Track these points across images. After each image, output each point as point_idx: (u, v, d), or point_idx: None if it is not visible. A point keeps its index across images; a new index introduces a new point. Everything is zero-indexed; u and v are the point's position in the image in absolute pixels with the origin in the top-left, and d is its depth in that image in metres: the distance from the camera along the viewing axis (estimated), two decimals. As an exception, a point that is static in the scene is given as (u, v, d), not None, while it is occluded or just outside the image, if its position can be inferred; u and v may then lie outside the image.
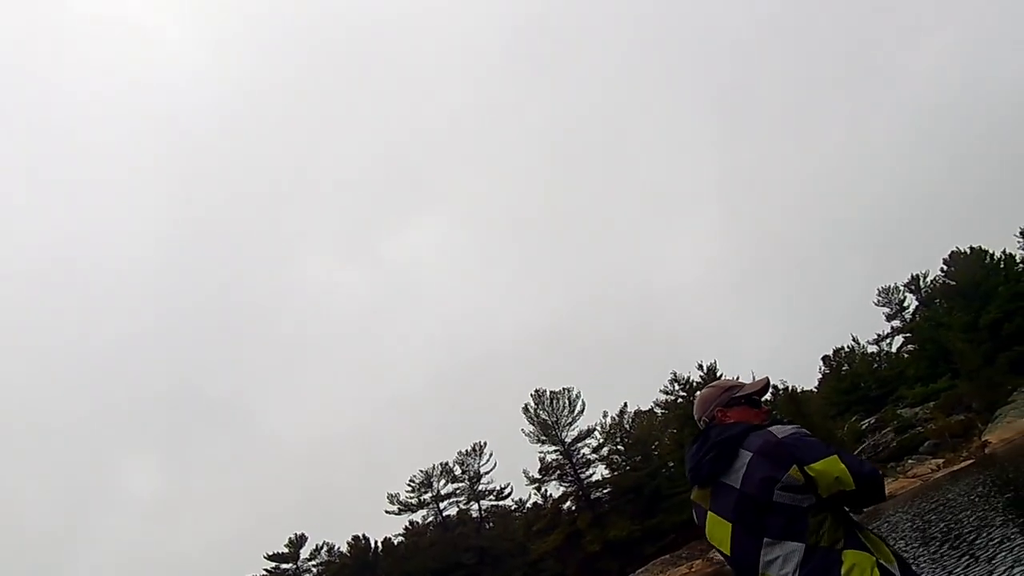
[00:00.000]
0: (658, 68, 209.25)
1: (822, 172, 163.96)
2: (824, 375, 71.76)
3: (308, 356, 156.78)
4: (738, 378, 3.15)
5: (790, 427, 2.87)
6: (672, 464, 58.48)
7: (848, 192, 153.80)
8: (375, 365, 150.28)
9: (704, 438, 3.04)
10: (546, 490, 65.82)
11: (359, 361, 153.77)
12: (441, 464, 69.85)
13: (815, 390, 69.02)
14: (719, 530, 2.94)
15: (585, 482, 62.94)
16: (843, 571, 2.59)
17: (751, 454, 2.82)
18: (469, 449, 70.23)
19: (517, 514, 70.33)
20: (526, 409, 64.04)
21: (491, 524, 70.15)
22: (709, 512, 2.99)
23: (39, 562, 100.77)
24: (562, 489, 64.28)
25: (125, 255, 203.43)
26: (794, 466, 2.71)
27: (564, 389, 64.60)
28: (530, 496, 68.90)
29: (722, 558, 2.99)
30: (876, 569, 2.61)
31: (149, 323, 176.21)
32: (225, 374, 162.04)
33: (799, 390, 61.66)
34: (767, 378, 3.35)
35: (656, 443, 63.27)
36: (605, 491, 62.54)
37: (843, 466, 2.70)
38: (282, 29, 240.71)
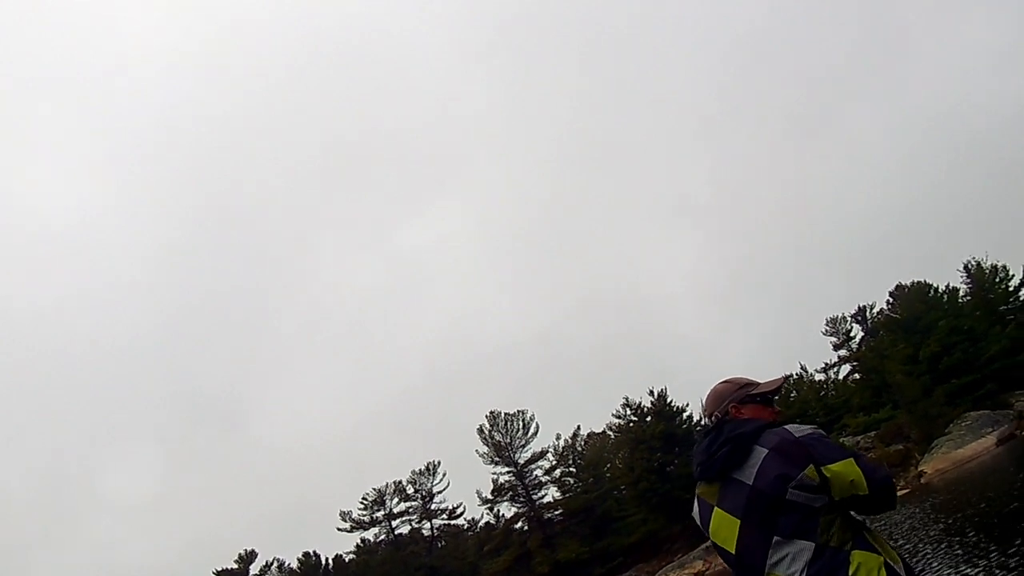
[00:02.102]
0: (653, 78, 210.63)
1: (812, 186, 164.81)
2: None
3: (303, 358, 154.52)
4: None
5: (807, 427, 2.88)
6: (623, 487, 59.44)
7: (837, 207, 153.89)
8: (369, 368, 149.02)
9: (718, 432, 3.03)
10: (498, 510, 66.62)
11: (354, 362, 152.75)
12: (394, 482, 70.08)
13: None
14: (725, 527, 2.92)
15: (537, 503, 63.58)
16: (851, 571, 2.62)
17: (767, 451, 2.82)
18: (423, 468, 70.61)
19: (469, 533, 70.66)
20: (481, 430, 64.67)
21: (443, 543, 70.27)
22: (716, 508, 2.96)
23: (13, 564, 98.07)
24: (514, 510, 65.05)
25: (124, 254, 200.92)
26: (811, 465, 2.72)
27: (519, 411, 65.32)
28: (482, 516, 69.53)
29: (723, 559, 2.99)
30: (883, 569, 2.64)
31: (144, 327, 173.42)
32: (220, 375, 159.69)
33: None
34: (783, 377, 3.38)
35: (608, 466, 64.29)
36: (556, 512, 63.22)
37: (859, 470, 2.72)
38: (287, 19, 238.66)
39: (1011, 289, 57.82)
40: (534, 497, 63.77)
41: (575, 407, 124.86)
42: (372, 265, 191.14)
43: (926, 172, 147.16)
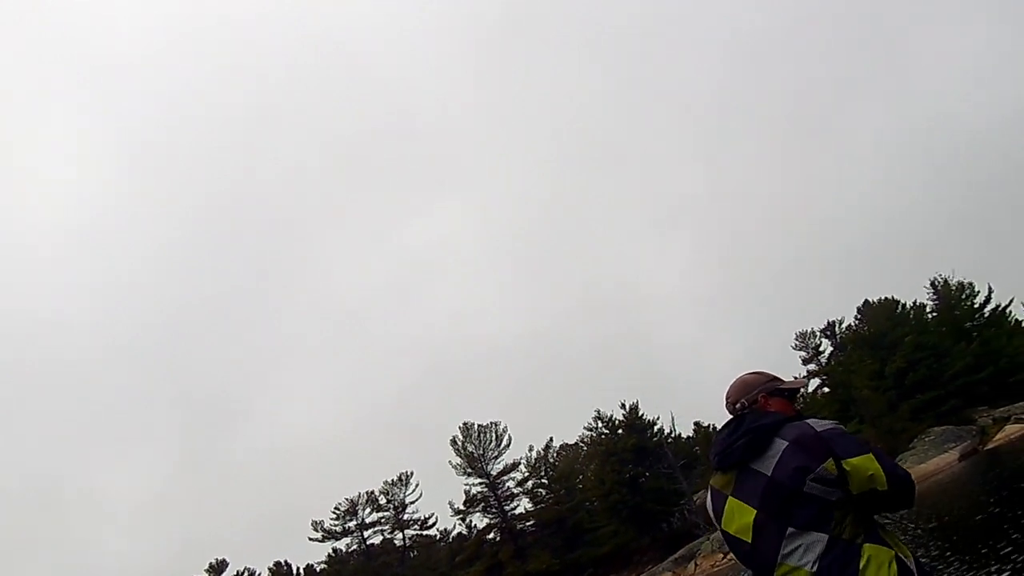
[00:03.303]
0: (653, 78, 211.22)
1: (812, 187, 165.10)
2: (744, 414, 73.70)
3: (302, 358, 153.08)
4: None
5: (828, 422, 2.91)
6: (594, 499, 59.85)
7: (837, 207, 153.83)
8: (369, 368, 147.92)
9: (739, 423, 3.07)
10: (471, 521, 66.77)
11: (354, 362, 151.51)
12: (366, 492, 70.09)
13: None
14: (740, 516, 2.96)
15: (509, 515, 63.91)
16: (861, 564, 2.66)
17: (787, 443, 2.85)
18: (395, 478, 70.68)
19: (441, 544, 70.70)
20: (454, 441, 64.99)
21: (415, 553, 70.31)
22: (731, 498, 3.01)
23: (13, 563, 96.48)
24: (486, 521, 65.27)
25: (124, 253, 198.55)
26: (830, 459, 2.76)
27: (492, 423, 65.70)
28: (455, 527, 69.69)
29: (732, 550, 3.03)
30: (894, 563, 2.67)
31: (144, 326, 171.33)
32: (220, 375, 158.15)
33: (717, 428, 63.61)
34: (806, 379, 3.62)
35: (580, 478, 64.72)
36: (528, 524, 63.59)
37: (878, 465, 2.74)
38: (288, 19, 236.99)
39: (976, 306, 59.07)
40: (506, 508, 64.12)
41: (574, 407, 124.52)
42: (372, 265, 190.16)
43: (926, 172, 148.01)
